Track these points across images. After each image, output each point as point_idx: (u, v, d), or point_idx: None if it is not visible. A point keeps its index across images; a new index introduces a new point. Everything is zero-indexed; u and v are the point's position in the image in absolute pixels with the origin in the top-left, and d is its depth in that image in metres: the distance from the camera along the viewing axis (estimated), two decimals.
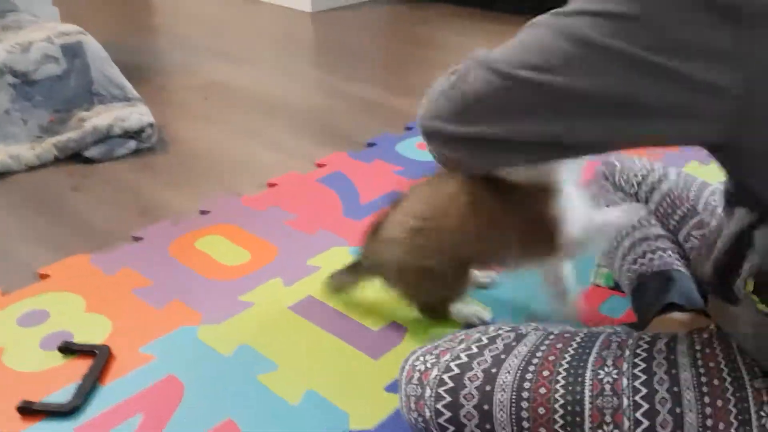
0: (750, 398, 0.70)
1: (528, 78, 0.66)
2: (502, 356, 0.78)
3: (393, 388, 1.05)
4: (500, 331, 0.82)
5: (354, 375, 1.08)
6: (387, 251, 1.12)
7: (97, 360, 1.09)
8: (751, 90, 0.57)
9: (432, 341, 0.86)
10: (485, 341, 0.80)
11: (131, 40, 3.01)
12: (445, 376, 0.78)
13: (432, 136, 0.81)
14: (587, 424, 0.72)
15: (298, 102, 2.28)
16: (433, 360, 0.80)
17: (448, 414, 0.77)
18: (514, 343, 0.79)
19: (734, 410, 0.69)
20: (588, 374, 0.74)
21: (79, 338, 1.16)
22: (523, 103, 0.68)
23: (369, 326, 1.19)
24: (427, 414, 0.78)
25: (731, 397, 0.70)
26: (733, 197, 0.74)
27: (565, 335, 0.80)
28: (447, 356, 0.79)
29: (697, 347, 0.75)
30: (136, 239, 1.46)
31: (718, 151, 0.67)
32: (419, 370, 0.80)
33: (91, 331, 1.18)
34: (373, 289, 1.28)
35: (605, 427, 0.72)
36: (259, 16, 3.48)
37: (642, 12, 0.58)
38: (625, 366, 0.74)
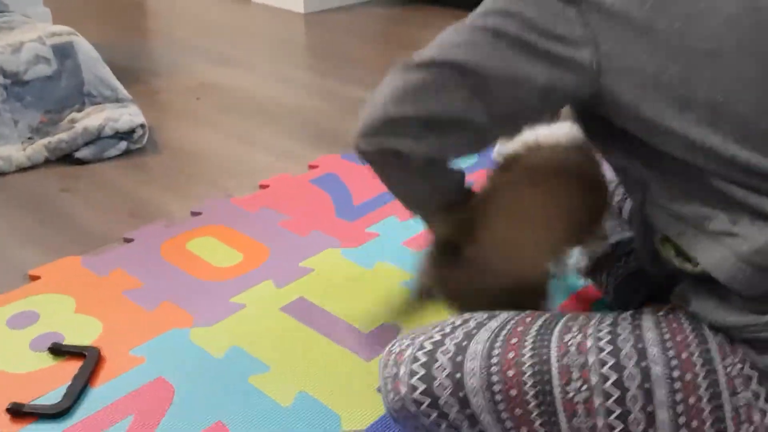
0: (714, 350, 0.72)
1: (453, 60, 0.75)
2: (474, 332, 0.80)
3: None
4: (474, 315, 0.83)
5: (346, 376, 1.08)
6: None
7: (87, 362, 1.08)
8: (601, 62, 0.69)
9: (411, 330, 0.87)
10: (459, 323, 0.82)
11: (124, 41, 3.00)
12: (419, 353, 0.79)
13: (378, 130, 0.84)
14: (556, 382, 0.73)
15: (291, 103, 2.28)
16: (408, 342, 0.82)
17: (422, 386, 0.77)
18: (486, 321, 0.81)
19: (700, 360, 0.71)
20: (554, 339, 0.76)
21: (70, 340, 1.15)
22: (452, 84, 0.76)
23: (361, 328, 1.19)
24: (403, 391, 0.78)
25: (695, 350, 0.72)
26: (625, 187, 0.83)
27: (536, 313, 0.82)
28: (421, 338, 0.81)
29: (661, 314, 0.77)
30: (127, 240, 1.45)
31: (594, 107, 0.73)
32: (395, 353, 0.82)
33: (82, 333, 1.17)
34: (366, 290, 1.28)
35: (573, 384, 0.73)
36: (252, 18, 3.48)
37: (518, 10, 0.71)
38: (590, 331, 0.76)
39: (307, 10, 3.48)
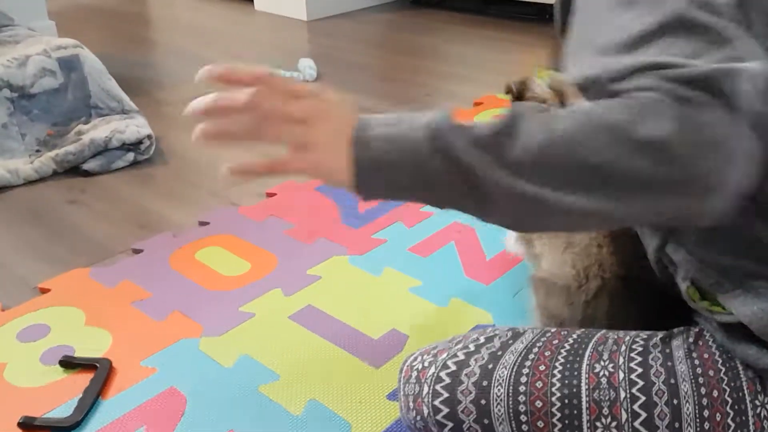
0: (744, 388, 0.70)
1: None
2: (499, 353, 0.78)
3: (394, 396, 1.05)
4: (497, 331, 0.82)
5: (356, 384, 1.08)
6: None
7: (99, 374, 1.09)
8: None
9: (431, 344, 0.86)
10: (482, 340, 0.80)
11: (128, 52, 3.01)
12: (443, 374, 0.78)
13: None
14: (585, 417, 0.72)
15: None
16: (431, 359, 0.80)
17: (446, 410, 0.76)
18: (511, 341, 0.79)
19: (730, 400, 0.70)
20: (584, 368, 0.74)
21: (80, 352, 1.16)
22: None
23: (370, 334, 1.19)
24: (425, 412, 0.78)
25: (726, 387, 0.70)
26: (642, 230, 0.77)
27: (562, 332, 0.81)
28: (444, 355, 0.80)
29: (691, 339, 0.75)
30: (136, 251, 1.46)
31: None
32: (417, 369, 0.80)
33: (92, 345, 1.18)
34: (374, 297, 1.28)
35: (603, 420, 0.72)
36: (255, 26, 3.49)
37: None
38: (621, 360, 0.74)
39: (310, 17, 3.49)
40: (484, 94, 2.33)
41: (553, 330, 0.81)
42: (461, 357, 0.78)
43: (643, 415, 0.71)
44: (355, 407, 1.03)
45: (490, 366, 0.76)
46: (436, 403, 0.77)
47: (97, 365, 1.11)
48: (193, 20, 3.64)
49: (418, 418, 0.78)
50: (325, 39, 3.21)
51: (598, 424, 0.72)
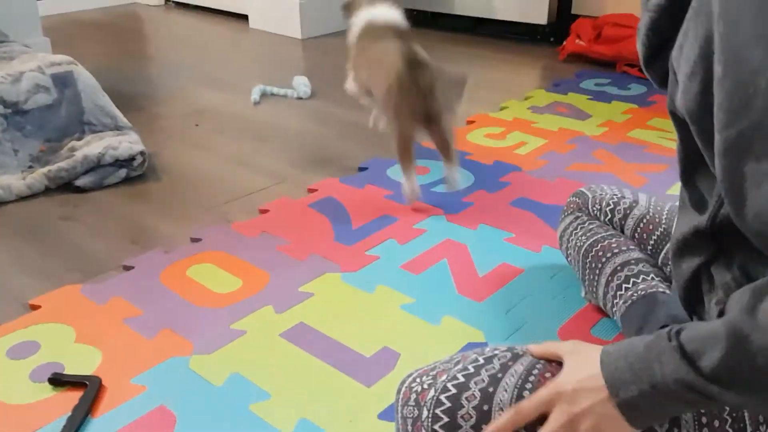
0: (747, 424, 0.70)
1: None
2: (499, 375, 0.77)
3: (386, 415, 1.04)
4: (496, 351, 0.82)
5: (347, 403, 1.07)
6: None
7: (88, 391, 1.08)
8: None
9: (429, 365, 0.86)
10: (482, 361, 0.79)
11: (123, 68, 3.02)
12: (442, 397, 0.77)
13: None
14: None
15: (290, 127, 2.29)
16: (430, 381, 0.79)
17: None
18: (510, 363, 0.78)
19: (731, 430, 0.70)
20: None
21: (70, 370, 1.15)
22: None
23: (362, 352, 1.19)
24: None
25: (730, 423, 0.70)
26: (686, 243, 0.75)
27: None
28: (444, 377, 0.79)
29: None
30: (127, 268, 1.46)
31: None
32: (416, 392, 0.79)
33: (82, 363, 1.17)
34: (366, 314, 1.28)
35: None
36: (251, 43, 3.50)
37: None
38: None
39: (305, 36, 3.51)
40: (476, 112, 2.34)
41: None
42: (461, 379, 0.78)
43: None
44: (346, 426, 1.03)
45: (491, 389, 0.76)
46: (436, 427, 0.76)
47: (87, 383, 1.10)
48: (188, 36, 3.66)
49: None
50: (319, 57, 3.22)
51: None
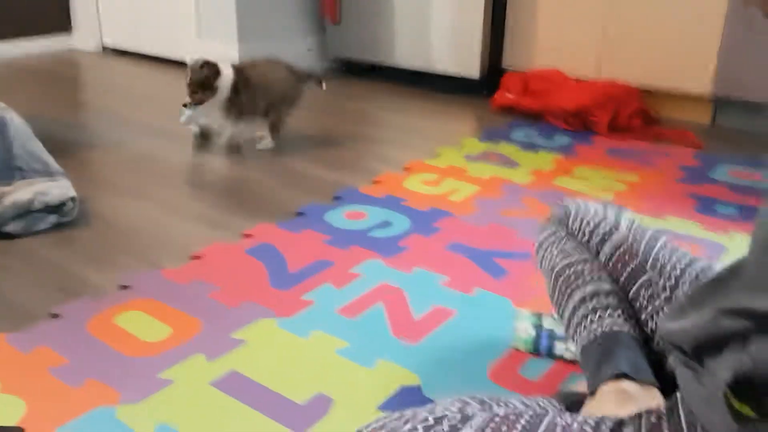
0: None
1: None
2: (456, 424, 0.78)
3: None
4: (447, 413, 0.82)
5: None
6: None
7: None
8: None
9: (377, 420, 0.85)
10: (431, 422, 0.79)
11: (58, 114, 2.97)
12: None
13: None
14: None
15: (226, 174, 2.29)
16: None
17: None
18: (459, 425, 0.79)
19: None
20: None
21: None
22: None
23: (294, 399, 1.18)
24: None
25: None
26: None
27: (510, 417, 0.81)
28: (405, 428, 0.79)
29: (644, 429, 0.76)
30: (54, 316, 1.42)
31: None
32: None
33: (5, 413, 1.13)
34: (300, 360, 1.28)
35: None
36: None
37: None
38: None
39: None
40: (413, 158, 2.40)
41: (501, 414, 0.81)
42: None
43: None
44: None
45: None
46: None
47: None
48: (125, 83, 3.63)
49: None
50: None
51: None
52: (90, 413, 1.13)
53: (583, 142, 2.65)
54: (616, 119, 2.76)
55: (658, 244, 1.10)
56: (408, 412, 0.82)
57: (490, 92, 3.19)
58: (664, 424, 0.76)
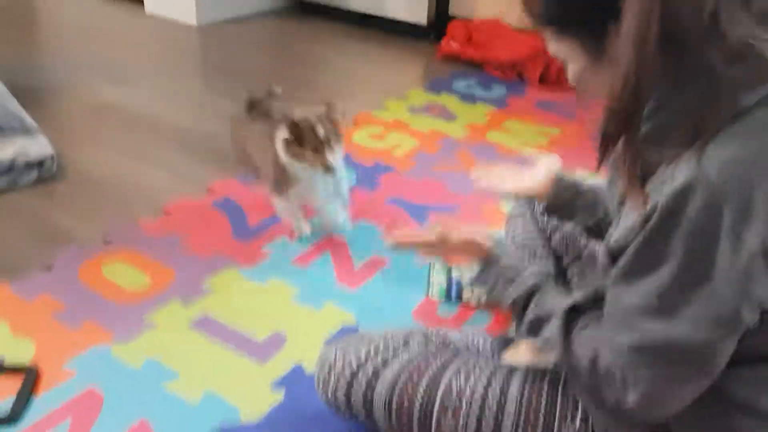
0: (557, 417, 0.97)
1: None
2: (390, 358, 1.07)
3: (277, 386, 1.33)
4: (394, 341, 1.10)
5: (244, 378, 1.35)
6: None
7: (29, 376, 1.31)
8: None
9: (345, 339, 1.15)
10: (381, 347, 1.09)
11: (16, 57, 3.05)
12: (347, 371, 1.07)
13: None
14: (435, 415, 1.02)
15: (189, 124, 2.48)
16: (341, 355, 1.09)
17: (342, 398, 1.08)
18: (401, 352, 1.09)
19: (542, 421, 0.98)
20: (443, 383, 1.03)
21: (10, 358, 1.37)
22: None
23: (255, 338, 1.46)
24: (329, 395, 1.09)
25: (541, 417, 0.98)
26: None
27: (437, 352, 1.09)
28: (351, 356, 1.08)
29: (530, 376, 1.02)
30: (48, 267, 1.66)
31: None
32: (329, 361, 1.10)
33: (19, 353, 1.38)
34: (260, 305, 1.55)
35: (446, 419, 1.01)
36: (146, 30, 3.59)
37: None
38: (472, 379, 1.02)
39: (200, 22, 3.63)
40: (361, 110, 2.62)
41: (432, 349, 1.10)
42: (362, 359, 1.07)
43: (473, 424, 1.00)
44: (244, 396, 1.31)
45: (379, 370, 1.06)
46: (338, 392, 1.08)
47: (27, 370, 1.32)
48: (81, 21, 3.68)
49: (325, 398, 1.11)
50: (216, 46, 3.37)
51: (442, 421, 1.02)
52: (90, 351, 1.40)
53: (516, 93, 2.90)
54: (547, 72, 2.99)
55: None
56: (365, 336, 1.14)
57: (437, 39, 3.35)
58: (546, 381, 1.02)
